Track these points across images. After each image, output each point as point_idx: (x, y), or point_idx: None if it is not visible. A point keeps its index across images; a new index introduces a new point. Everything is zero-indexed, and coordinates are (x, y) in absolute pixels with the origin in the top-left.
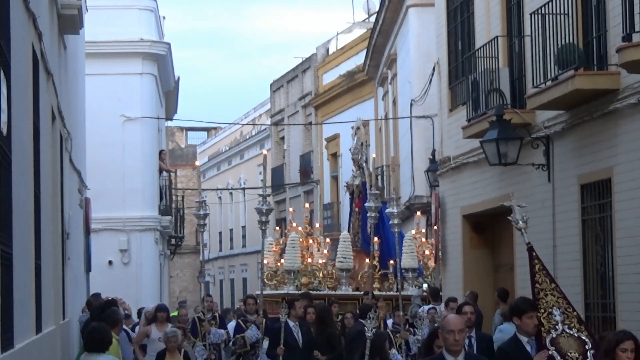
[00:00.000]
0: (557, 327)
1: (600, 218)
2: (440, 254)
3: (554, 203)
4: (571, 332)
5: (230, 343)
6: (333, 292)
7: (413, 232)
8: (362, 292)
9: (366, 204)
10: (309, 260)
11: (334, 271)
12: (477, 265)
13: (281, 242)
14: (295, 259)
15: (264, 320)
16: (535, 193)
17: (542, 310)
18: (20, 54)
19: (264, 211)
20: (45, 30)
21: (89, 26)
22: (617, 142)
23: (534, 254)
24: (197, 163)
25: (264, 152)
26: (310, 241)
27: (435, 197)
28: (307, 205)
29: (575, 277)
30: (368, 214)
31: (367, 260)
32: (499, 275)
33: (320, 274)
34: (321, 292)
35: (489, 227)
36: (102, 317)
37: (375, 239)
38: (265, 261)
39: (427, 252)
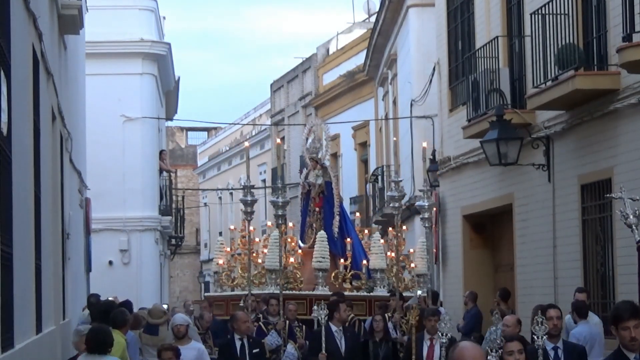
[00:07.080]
0: None
1: (600, 218)
2: (440, 254)
3: (554, 203)
4: None
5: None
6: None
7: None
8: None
9: (388, 194)
10: (291, 260)
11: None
12: (477, 265)
13: (236, 242)
14: (277, 259)
15: (286, 323)
16: (535, 193)
17: None
18: (20, 54)
19: (280, 204)
20: (46, 30)
21: (89, 26)
22: (617, 142)
23: None
24: (247, 144)
25: (278, 141)
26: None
27: (436, 197)
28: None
29: (575, 277)
30: (391, 205)
31: (341, 260)
32: (499, 275)
33: (299, 274)
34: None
35: (489, 227)
36: (111, 317)
37: (348, 239)
38: (220, 261)
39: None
